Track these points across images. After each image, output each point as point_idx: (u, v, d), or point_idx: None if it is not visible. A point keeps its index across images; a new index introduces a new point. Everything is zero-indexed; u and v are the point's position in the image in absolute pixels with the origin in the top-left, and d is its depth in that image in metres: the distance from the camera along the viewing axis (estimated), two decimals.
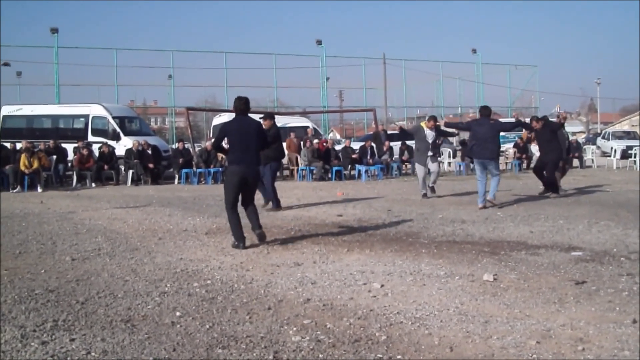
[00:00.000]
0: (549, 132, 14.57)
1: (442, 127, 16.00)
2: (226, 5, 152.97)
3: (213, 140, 9.04)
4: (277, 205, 12.95)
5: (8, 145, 21.72)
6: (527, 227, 9.78)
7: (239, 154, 8.66)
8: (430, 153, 14.73)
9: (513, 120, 14.48)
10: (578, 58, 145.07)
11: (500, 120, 17.24)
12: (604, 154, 36.30)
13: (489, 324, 4.85)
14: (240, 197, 8.82)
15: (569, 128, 49.55)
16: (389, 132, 29.48)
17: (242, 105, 8.85)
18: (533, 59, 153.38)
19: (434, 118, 15.24)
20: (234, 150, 8.75)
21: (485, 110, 13.26)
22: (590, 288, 5.93)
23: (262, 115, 12.93)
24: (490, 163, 12.74)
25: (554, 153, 14.67)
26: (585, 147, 31.81)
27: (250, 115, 8.97)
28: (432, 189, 15.06)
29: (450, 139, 30.08)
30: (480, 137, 12.68)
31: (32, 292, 6.09)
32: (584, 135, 57.59)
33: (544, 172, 14.63)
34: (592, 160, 29.08)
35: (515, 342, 4.40)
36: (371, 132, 33.57)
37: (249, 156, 8.69)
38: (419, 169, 14.97)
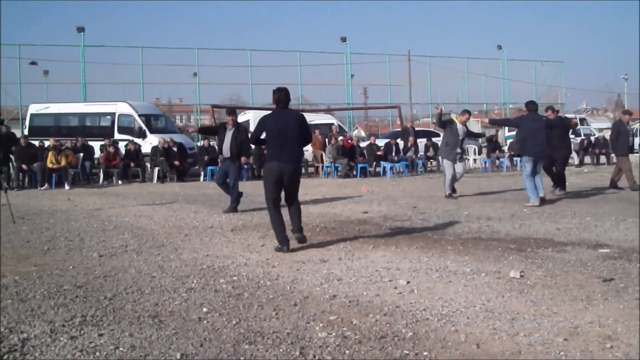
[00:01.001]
0: (563, 128, 14.47)
1: (487, 123, 15.61)
2: (250, 3, 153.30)
3: (251, 135, 8.52)
4: (234, 208, 12.34)
5: (36, 143, 21.95)
6: (554, 224, 9.71)
7: (276, 149, 8.13)
8: (459, 150, 14.18)
9: (554, 118, 13.89)
10: (605, 54, 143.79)
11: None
12: (631, 151, 35.82)
13: (515, 321, 4.82)
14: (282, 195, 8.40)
15: (595, 124, 49.14)
16: (417, 128, 29.39)
17: (283, 97, 8.27)
18: (559, 55, 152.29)
19: (468, 112, 14.62)
20: (271, 146, 8.24)
21: (533, 105, 13.00)
22: (618, 285, 5.89)
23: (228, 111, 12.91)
24: (541, 161, 12.61)
25: (565, 150, 14.71)
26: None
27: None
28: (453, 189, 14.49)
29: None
30: (534, 134, 12.42)
31: (60, 288, 6.15)
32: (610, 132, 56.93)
33: (554, 169, 14.50)
34: None
35: (543, 339, 4.38)
36: (397, 129, 33.51)
37: (288, 152, 8.14)
38: (448, 165, 14.14)
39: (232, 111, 12.89)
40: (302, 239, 8.19)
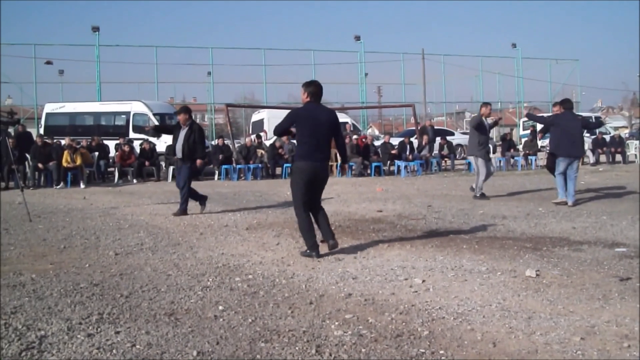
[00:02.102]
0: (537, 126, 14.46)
1: (524, 118, 14.98)
2: (265, 2, 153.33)
3: (277, 125, 7.93)
4: (184, 210, 11.74)
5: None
6: (570, 223, 9.67)
7: (310, 147, 7.54)
8: (489, 146, 13.67)
9: (593, 118, 13.67)
10: (620, 51, 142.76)
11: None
12: None
13: (532, 320, 4.81)
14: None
15: (611, 123, 48.81)
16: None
17: (316, 91, 7.65)
18: (574, 53, 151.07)
19: (489, 104, 14.19)
20: (303, 143, 7.60)
21: (569, 104, 12.75)
22: (635, 284, 5.85)
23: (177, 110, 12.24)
24: (576, 161, 12.43)
25: None
26: (628, 142, 31.31)
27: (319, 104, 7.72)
28: (473, 189, 14.04)
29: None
30: (571, 133, 12.23)
31: (77, 286, 6.19)
32: (627, 130, 56.64)
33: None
34: (636, 155, 28.59)
35: (559, 338, 4.36)
36: (411, 128, 33.48)
37: (321, 151, 7.63)
38: (483, 164, 13.51)
39: (185, 109, 12.12)
40: (335, 245, 7.67)
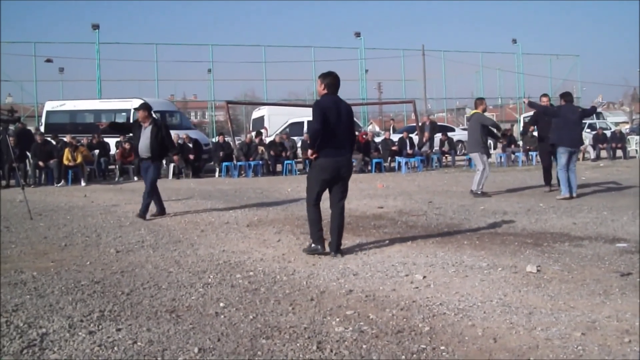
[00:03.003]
0: (535, 117, 14.50)
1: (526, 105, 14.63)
2: None
3: (313, 122, 7.30)
4: (144, 213, 10.94)
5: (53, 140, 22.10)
6: (570, 219, 9.67)
7: (332, 143, 7.22)
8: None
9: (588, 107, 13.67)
10: (621, 47, 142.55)
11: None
12: None
13: (533, 315, 4.81)
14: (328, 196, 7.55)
15: (612, 118, 48.78)
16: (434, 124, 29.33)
17: (334, 82, 7.37)
18: (574, 48, 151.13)
19: (483, 99, 14.05)
20: (329, 138, 7.19)
21: (569, 96, 12.97)
22: (635, 280, 5.85)
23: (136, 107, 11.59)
24: (575, 153, 12.63)
25: None
26: (629, 137, 31.26)
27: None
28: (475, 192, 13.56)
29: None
30: (571, 125, 12.43)
31: (78, 284, 6.20)
32: (627, 126, 56.55)
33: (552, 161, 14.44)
34: (636, 150, 28.58)
35: (560, 333, 4.37)
36: (411, 124, 33.45)
37: (344, 146, 7.34)
38: (484, 161, 13.36)
39: (145, 106, 11.48)
40: (329, 252, 7.36)
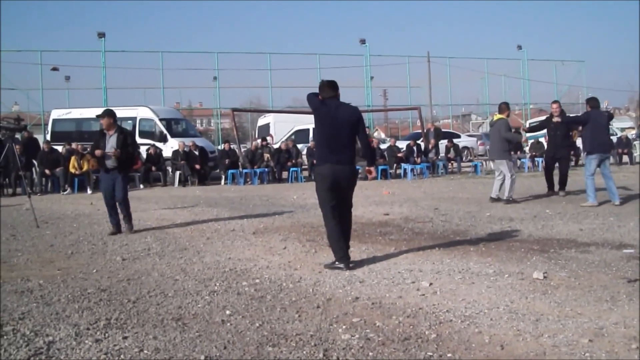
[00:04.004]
0: (566, 126, 14.34)
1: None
2: (270, 6, 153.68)
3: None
4: (131, 227, 10.43)
5: (59, 148, 22.13)
6: (577, 225, 9.65)
7: (328, 149, 6.95)
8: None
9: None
10: (626, 52, 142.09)
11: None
12: None
13: (539, 322, 4.80)
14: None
15: (617, 124, 48.63)
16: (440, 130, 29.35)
17: (329, 88, 7.07)
18: (580, 54, 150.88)
19: (508, 105, 13.80)
20: (321, 145, 7.03)
21: (596, 102, 12.84)
22: None
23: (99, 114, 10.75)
24: (608, 159, 12.60)
25: (569, 149, 15.01)
26: (635, 143, 31.20)
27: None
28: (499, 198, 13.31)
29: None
30: (602, 131, 12.38)
31: (84, 292, 6.20)
32: (633, 131, 56.44)
33: (558, 168, 14.52)
34: None
35: (567, 340, 4.35)
36: (417, 131, 33.44)
37: (342, 153, 6.95)
38: (511, 167, 13.18)
39: (109, 113, 10.64)
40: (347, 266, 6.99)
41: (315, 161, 7.19)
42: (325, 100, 7.03)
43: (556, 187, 14.31)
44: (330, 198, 7.00)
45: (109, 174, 10.36)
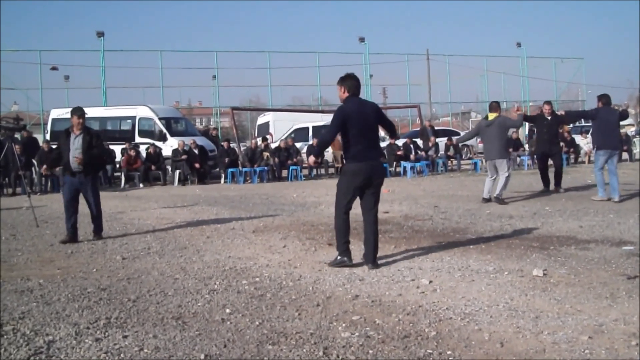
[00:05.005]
0: (557, 124, 14.58)
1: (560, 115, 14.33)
2: (269, 5, 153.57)
3: (328, 130, 7.18)
4: (100, 233, 9.86)
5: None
6: (576, 222, 9.65)
7: (363, 147, 6.88)
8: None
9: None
10: (625, 49, 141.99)
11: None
12: None
13: (539, 319, 4.80)
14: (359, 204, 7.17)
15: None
16: (435, 127, 29.31)
17: (355, 83, 7.05)
18: (579, 51, 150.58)
19: (497, 103, 13.61)
20: (356, 143, 6.87)
21: (607, 98, 12.77)
22: None
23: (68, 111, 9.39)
24: (616, 155, 12.68)
25: (559, 146, 15.27)
26: (634, 139, 31.20)
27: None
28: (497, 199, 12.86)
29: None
30: (612, 127, 12.47)
31: (84, 291, 6.20)
32: (633, 128, 56.41)
33: (553, 165, 14.59)
34: None
35: (567, 337, 4.36)
36: (416, 129, 33.45)
37: (375, 148, 7.08)
38: (508, 166, 12.88)
39: (79, 112, 9.73)
40: (373, 267, 6.90)
41: (346, 160, 7.13)
42: (352, 98, 6.99)
43: (552, 186, 14.33)
44: (353, 196, 7.00)
45: (75, 177, 9.61)
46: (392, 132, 7.87)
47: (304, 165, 23.90)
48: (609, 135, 12.39)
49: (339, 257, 6.98)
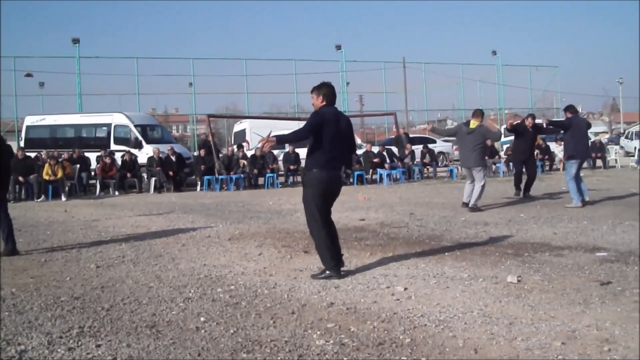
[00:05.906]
0: (536, 134, 15.22)
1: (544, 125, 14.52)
2: (245, 12, 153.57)
3: (304, 129, 6.87)
4: (14, 248, 8.96)
5: (32, 154, 21.95)
6: (551, 229, 9.73)
7: (332, 155, 6.79)
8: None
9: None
10: (599, 57, 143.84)
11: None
12: (628, 154, 36.01)
13: (513, 325, 4.83)
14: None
15: (591, 128, 49.11)
16: (411, 135, 29.42)
17: (331, 91, 6.98)
18: (554, 59, 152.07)
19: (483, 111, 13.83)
20: (326, 151, 6.73)
21: (574, 108, 13.17)
22: (615, 288, 5.89)
23: None
24: (585, 162, 12.93)
25: (534, 155, 16.06)
26: (608, 147, 31.59)
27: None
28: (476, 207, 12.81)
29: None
30: (583, 136, 12.78)
31: (58, 300, 6.15)
32: (607, 136, 57.04)
33: (526, 173, 14.93)
34: (616, 160, 28.84)
35: (540, 343, 4.38)
36: (392, 136, 33.57)
37: (340, 159, 7.01)
38: (484, 175, 12.88)
39: None
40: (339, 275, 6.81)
41: (309, 167, 6.91)
42: (328, 107, 6.91)
43: (520, 193, 14.66)
44: (323, 205, 6.85)
45: None
46: (352, 150, 7.62)
47: (280, 172, 23.89)
48: (581, 144, 12.69)
49: (327, 272, 6.78)
